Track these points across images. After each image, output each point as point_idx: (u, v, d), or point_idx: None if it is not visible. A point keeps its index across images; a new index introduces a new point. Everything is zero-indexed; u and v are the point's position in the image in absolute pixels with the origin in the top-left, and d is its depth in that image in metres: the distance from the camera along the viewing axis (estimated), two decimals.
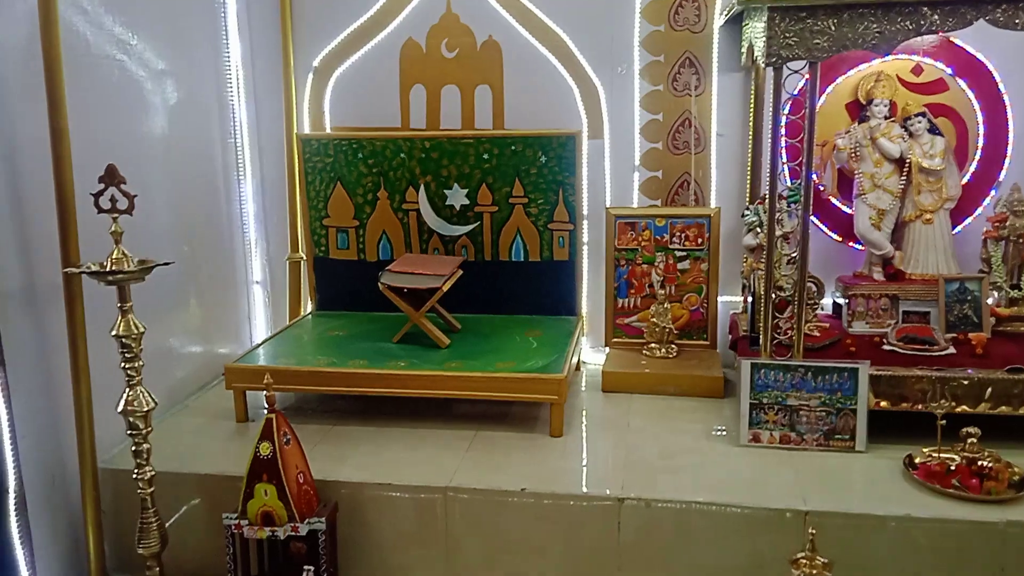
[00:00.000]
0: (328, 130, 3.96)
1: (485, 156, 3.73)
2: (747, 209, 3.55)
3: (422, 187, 3.81)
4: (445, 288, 3.40)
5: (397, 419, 3.25)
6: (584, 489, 2.72)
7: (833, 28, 2.72)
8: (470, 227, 3.82)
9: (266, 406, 2.57)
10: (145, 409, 2.55)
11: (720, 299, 3.78)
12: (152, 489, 2.60)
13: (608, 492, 2.67)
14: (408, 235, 3.88)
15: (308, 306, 4.07)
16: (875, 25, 2.70)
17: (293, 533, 2.57)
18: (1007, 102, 3.44)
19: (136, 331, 2.50)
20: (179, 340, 3.57)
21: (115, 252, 2.48)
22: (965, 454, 2.69)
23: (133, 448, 2.57)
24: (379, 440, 3.09)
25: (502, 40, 3.76)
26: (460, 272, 3.56)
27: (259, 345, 3.57)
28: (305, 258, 4.00)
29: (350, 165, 3.83)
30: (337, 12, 3.83)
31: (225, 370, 3.26)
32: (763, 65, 2.89)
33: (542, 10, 3.70)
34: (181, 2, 3.52)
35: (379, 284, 3.41)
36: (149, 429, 2.58)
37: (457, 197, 3.79)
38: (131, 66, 3.17)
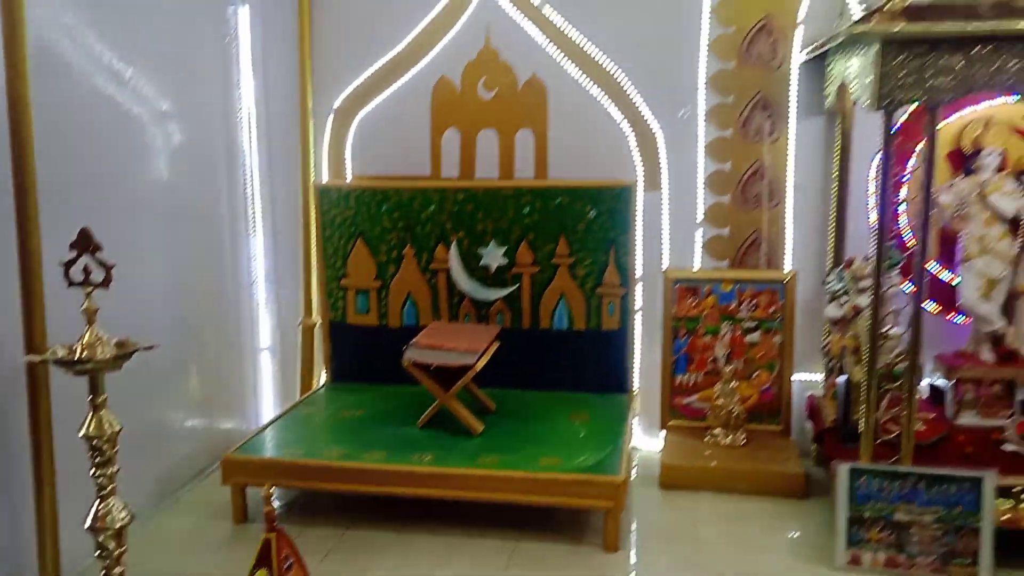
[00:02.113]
0: (349, 179, 3.53)
1: (526, 210, 3.30)
2: (830, 275, 3.06)
3: (454, 244, 3.37)
4: (479, 366, 2.94)
5: (423, 521, 2.78)
6: None
7: (961, 66, 2.24)
8: (507, 291, 3.37)
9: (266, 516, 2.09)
10: (118, 526, 2.08)
11: (795, 378, 3.29)
12: None
13: None
14: (436, 298, 3.43)
15: (322, 377, 3.61)
16: (1014, 63, 2.22)
17: None
18: None
19: (110, 430, 2.04)
20: (176, 416, 3.14)
21: (87, 334, 2.03)
22: None
23: (103, 573, 2.10)
24: (400, 551, 2.62)
25: (547, 79, 3.35)
26: (496, 344, 3.10)
27: (263, 428, 3.10)
28: (320, 323, 3.56)
29: (373, 218, 3.40)
30: (362, 48, 3.43)
31: (222, 462, 2.79)
32: (871, 109, 2.39)
33: (593, 44, 3.28)
34: (188, 33, 3.14)
35: (403, 361, 2.94)
36: (123, 549, 2.11)
37: (493, 256, 3.35)
38: (126, 104, 2.77)
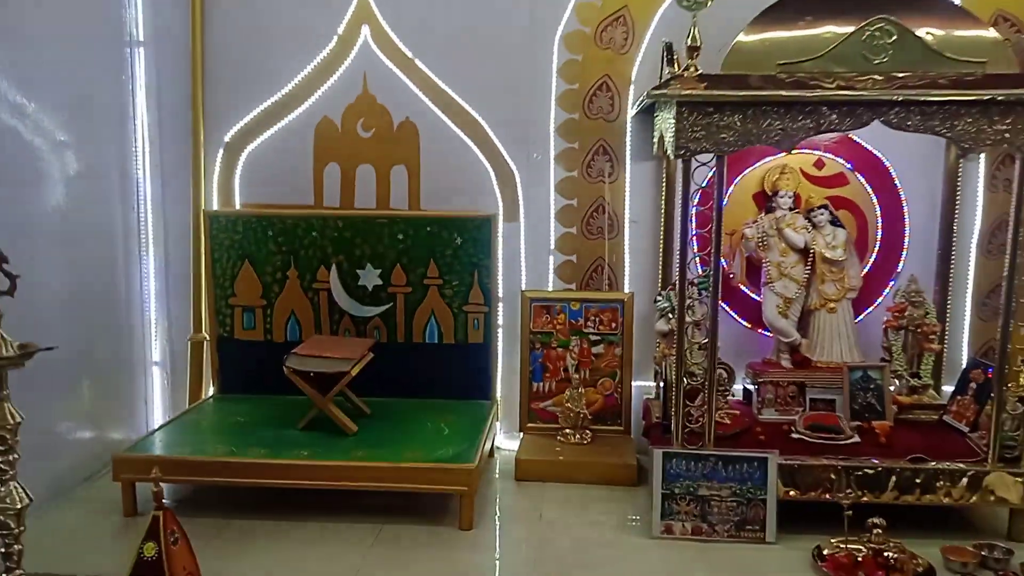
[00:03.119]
0: (238, 207, 3.85)
1: (400, 236, 3.69)
2: (659, 295, 3.57)
3: (334, 267, 3.73)
4: (354, 372, 3.30)
5: (299, 512, 3.08)
6: None
7: (739, 124, 2.80)
8: (383, 308, 3.74)
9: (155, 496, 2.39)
10: (18, 507, 2.32)
11: (634, 384, 3.78)
12: None
13: None
14: (318, 315, 3.77)
15: (210, 389, 3.88)
16: (778, 123, 2.80)
17: None
18: (903, 197, 3.61)
19: (12, 421, 2.29)
20: (68, 425, 3.35)
21: None
22: (871, 545, 2.69)
23: (3, 550, 2.34)
24: (278, 535, 2.92)
25: (419, 122, 3.76)
26: (370, 355, 3.47)
27: (153, 432, 3.37)
28: (209, 338, 3.84)
29: (259, 243, 3.72)
30: (251, 89, 3.77)
31: (113, 459, 3.05)
32: (672, 157, 2.95)
33: (460, 94, 3.73)
34: (86, 69, 3.41)
35: (284, 368, 3.27)
36: (22, 528, 2.35)
37: (370, 277, 3.72)
38: (27, 135, 3.03)
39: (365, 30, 3.70)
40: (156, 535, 2.38)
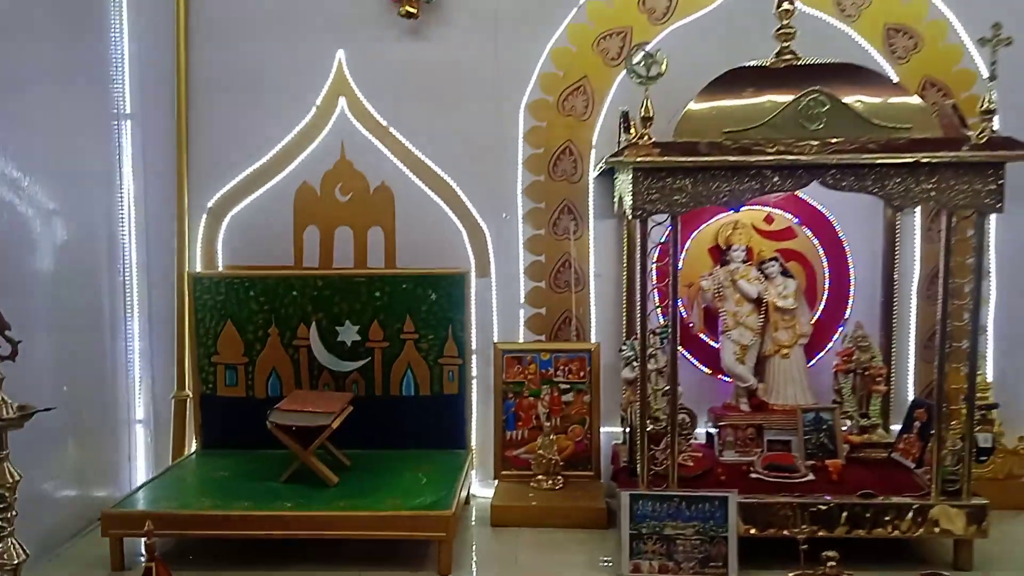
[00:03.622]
0: (220, 268, 4.02)
1: (377, 294, 3.88)
2: (624, 345, 3.78)
3: (314, 324, 3.89)
4: (335, 425, 3.44)
5: (283, 563, 3.20)
6: None
7: (690, 186, 3.05)
8: (361, 363, 3.90)
9: (144, 553, 2.51)
10: (15, 562, 2.44)
11: (603, 430, 3.96)
12: None
13: None
14: (298, 371, 3.92)
15: (193, 445, 4.00)
16: (726, 185, 3.05)
17: None
18: (847, 248, 3.87)
19: (11, 480, 2.43)
20: (54, 484, 3.44)
21: None
22: None
23: None
24: None
25: (394, 186, 3.99)
26: (350, 408, 3.61)
27: (138, 489, 3.48)
28: (192, 395, 3.97)
29: (241, 303, 3.89)
30: (233, 156, 3.98)
31: (101, 516, 3.16)
32: (630, 217, 3.18)
33: (432, 159, 3.97)
34: (77, 141, 3.60)
35: (267, 423, 3.41)
36: None
37: (349, 333, 3.89)
38: (21, 207, 3.20)
39: (342, 101, 3.95)
40: None
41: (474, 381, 3.99)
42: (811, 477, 3.29)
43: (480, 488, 4.02)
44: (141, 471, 4.03)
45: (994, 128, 3.04)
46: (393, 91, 3.95)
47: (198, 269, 4.01)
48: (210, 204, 4.00)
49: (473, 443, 3.99)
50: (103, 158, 3.80)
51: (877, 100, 3.13)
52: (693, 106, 3.19)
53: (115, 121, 3.86)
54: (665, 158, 3.02)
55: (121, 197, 3.89)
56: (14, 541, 2.45)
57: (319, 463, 3.45)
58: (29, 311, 3.22)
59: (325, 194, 4.00)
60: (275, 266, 3.99)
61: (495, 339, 4.01)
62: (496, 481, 3.93)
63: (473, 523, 3.69)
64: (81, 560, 3.28)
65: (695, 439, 3.68)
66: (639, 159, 3.01)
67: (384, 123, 3.96)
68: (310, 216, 4.01)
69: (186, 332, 3.95)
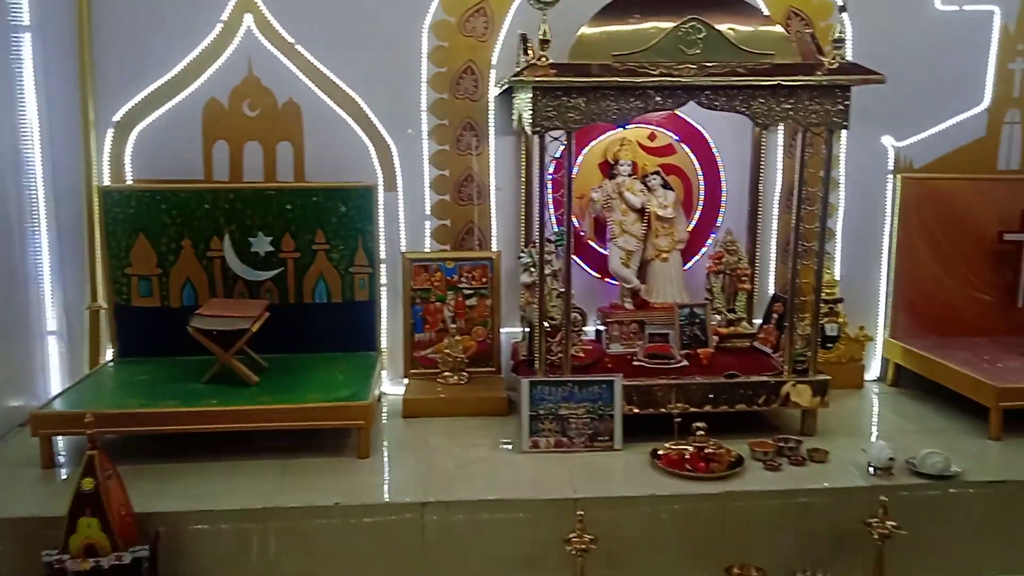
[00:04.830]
0: (129, 182, 4.08)
1: (288, 207, 4.05)
2: (522, 252, 4.11)
3: (227, 236, 4.04)
4: (254, 329, 3.66)
5: (212, 455, 3.43)
6: (390, 498, 3.10)
7: (583, 105, 3.36)
8: (275, 272, 4.09)
9: (63, 453, 2.73)
10: None
11: (503, 331, 4.32)
12: None
13: (412, 499, 3.07)
14: (213, 281, 4.07)
15: (109, 355, 4.12)
16: (615, 104, 3.38)
17: (117, 562, 2.71)
18: (720, 163, 4.31)
19: None
20: None
21: None
22: (696, 444, 3.36)
23: None
24: (196, 475, 3.27)
25: (302, 102, 4.12)
26: (267, 314, 3.83)
27: (60, 394, 3.62)
28: (106, 307, 4.07)
29: (153, 216, 3.99)
30: (138, 71, 4.00)
31: (31, 417, 3.31)
32: (529, 133, 3.48)
33: (339, 76, 4.10)
34: None
35: (188, 328, 3.59)
36: None
37: (261, 244, 4.06)
38: None
39: (248, 18, 4.01)
40: (92, 471, 2.72)
41: (383, 288, 4.25)
42: (685, 363, 3.78)
43: (391, 387, 4.33)
44: (56, 381, 4.11)
45: (843, 55, 3.48)
46: (300, 8, 4.04)
47: (106, 183, 4.06)
48: (116, 118, 4.03)
49: (384, 346, 4.28)
50: (2, 72, 3.75)
51: (747, 29, 3.51)
52: (586, 30, 3.49)
53: (14, 33, 3.80)
54: (561, 78, 3.31)
55: (24, 111, 3.86)
56: None
57: (240, 364, 3.67)
58: None
59: (233, 109, 4.09)
60: (185, 180, 4.08)
61: (403, 249, 4.27)
62: (406, 380, 4.26)
63: (385, 417, 4.01)
64: (8, 461, 3.41)
65: (586, 335, 4.12)
66: (537, 79, 3.29)
67: (291, 40, 4.06)
68: (219, 131, 4.10)
69: (97, 245, 4.02)
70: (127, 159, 4.09)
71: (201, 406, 3.39)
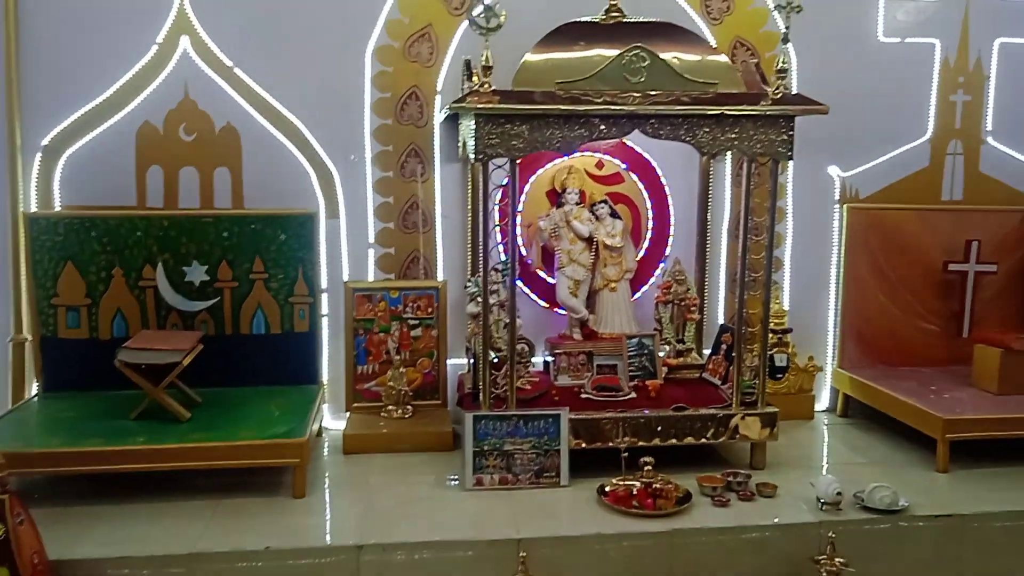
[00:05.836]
0: (58, 209, 3.91)
1: (225, 234, 3.92)
2: (468, 281, 4.03)
3: (160, 264, 3.88)
4: (185, 362, 3.51)
5: (140, 496, 3.26)
6: (327, 541, 2.96)
7: (527, 132, 3.30)
8: (210, 302, 3.94)
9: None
10: None
11: (449, 362, 4.22)
12: None
13: (347, 542, 2.93)
14: (145, 312, 3.91)
15: (34, 389, 3.92)
16: (559, 131, 3.32)
17: None
18: (668, 192, 4.28)
19: None
20: None
21: None
22: (643, 480, 3.28)
23: None
24: (120, 518, 3.10)
25: (240, 126, 4.00)
26: (200, 347, 3.67)
27: None
28: (30, 339, 3.88)
29: (82, 243, 3.82)
30: (69, 93, 3.85)
31: None
32: (473, 160, 3.41)
33: (279, 101, 4.00)
34: None
35: (116, 362, 3.43)
36: None
37: (196, 273, 3.91)
38: None
39: (184, 40, 3.89)
40: (3, 517, 2.55)
41: (325, 319, 4.12)
42: (633, 395, 3.71)
43: (332, 421, 4.19)
44: None
45: (788, 86, 3.48)
46: (239, 30, 3.93)
47: (33, 209, 3.89)
48: (45, 142, 3.87)
49: (325, 378, 4.14)
50: None
51: (691, 58, 3.49)
52: (530, 57, 3.44)
53: None
54: (504, 105, 3.25)
55: None
56: None
57: (170, 399, 3.51)
58: None
59: (168, 134, 3.96)
60: (117, 206, 3.92)
61: (345, 278, 4.15)
62: (348, 413, 4.12)
63: (326, 453, 3.87)
64: None
65: (533, 366, 4.03)
66: (480, 106, 3.23)
67: (229, 63, 3.95)
68: (153, 156, 3.96)
69: (22, 273, 3.84)
70: (56, 185, 3.92)
71: (127, 444, 3.23)
